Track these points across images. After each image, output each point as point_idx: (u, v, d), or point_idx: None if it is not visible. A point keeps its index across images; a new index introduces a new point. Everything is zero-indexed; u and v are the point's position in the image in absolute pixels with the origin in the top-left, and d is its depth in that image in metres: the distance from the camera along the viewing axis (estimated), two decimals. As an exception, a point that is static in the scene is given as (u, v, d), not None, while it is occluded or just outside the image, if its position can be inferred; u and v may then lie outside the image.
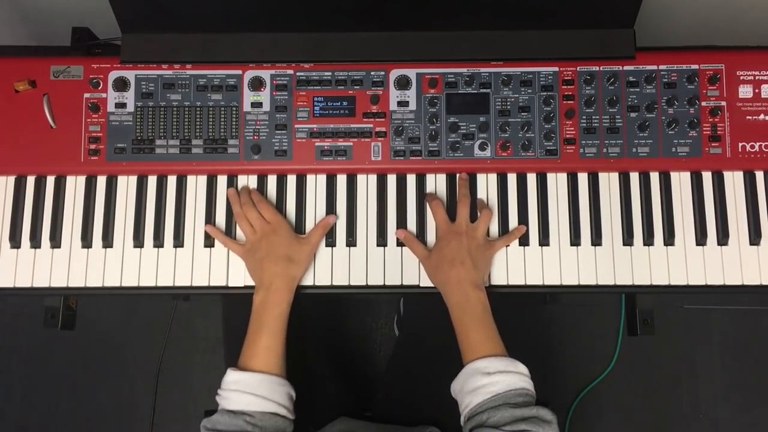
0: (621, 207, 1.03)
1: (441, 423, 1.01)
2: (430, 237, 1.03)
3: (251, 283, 1.01)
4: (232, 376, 0.89)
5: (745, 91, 1.04)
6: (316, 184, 1.05)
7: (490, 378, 0.83)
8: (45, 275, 1.02)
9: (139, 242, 1.03)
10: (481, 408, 0.82)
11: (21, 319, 1.75)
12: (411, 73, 1.04)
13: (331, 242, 1.02)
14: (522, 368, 0.86)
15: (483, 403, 0.82)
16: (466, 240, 0.96)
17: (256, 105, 1.04)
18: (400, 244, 1.02)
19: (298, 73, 1.05)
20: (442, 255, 0.96)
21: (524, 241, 1.02)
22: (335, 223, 1.03)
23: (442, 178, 1.05)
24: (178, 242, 1.03)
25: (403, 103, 1.04)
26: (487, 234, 1.02)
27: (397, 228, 1.02)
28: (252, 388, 0.87)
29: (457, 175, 1.04)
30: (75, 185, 1.05)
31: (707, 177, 1.04)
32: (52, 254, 1.03)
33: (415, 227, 1.03)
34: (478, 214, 1.01)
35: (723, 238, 1.01)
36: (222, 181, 1.05)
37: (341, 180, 1.05)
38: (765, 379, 1.71)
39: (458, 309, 0.92)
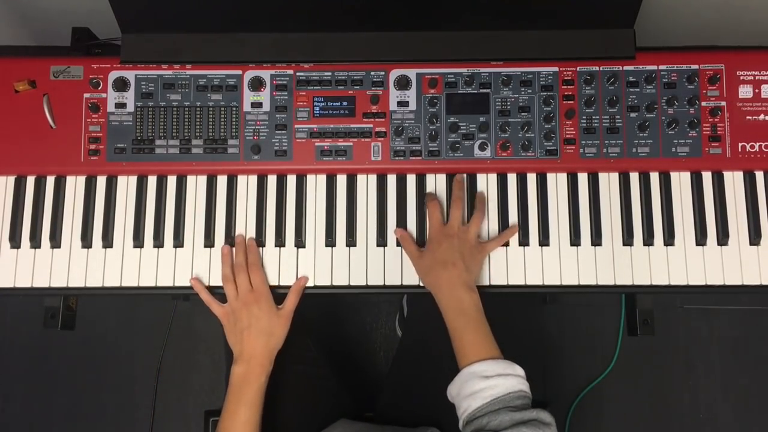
0: (621, 207, 1.03)
1: (443, 424, 1.01)
2: (430, 237, 1.03)
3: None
4: None
5: (745, 91, 1.04)
6: (316, 184, 1.05)
7: (488, 382, 0.83)
8: (45, 275, 1.02)
9: (139, 242, 1.03)
10: (481, 412, 0.81)
11: (21, 319, 1.74)
12: (411, 73, 1.04)
13: (331, 242, 1.02)
14: (519, 370, 0.86)
15: (482, 407, 0.81)
16: (457, 242, 0.96)
17: (256, 105, 1.04)
18: (400, 243, 1.02)
19: (298, 73, 1.05)
20: (434, 257, 0.96)
21: (524, 241, 1.02)
22: (335, 223, 1.03)
23: (442, 178, 1.05)
24: (178, 242, 1.03)
25: (403, 103, 1.04)
26: (486, 234, 1.01)
27: (397, 227, 1.02)
28: None
29: (455, 177, 1.03)
30: (75, 185, 1.05)
31: (707, 177, 1.04)
32: (52, 254, 1.03)
33: (415, 227, 1.03)
34: (473, 213, 1.01)
35: (723, 238, 1.01)
36: (222, 181, 1.05)
37: (341, 180, 1.05)
38: (765, 379, 1.71)
39: (452, 312, 0.92)
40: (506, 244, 1.02)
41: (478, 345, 0.89)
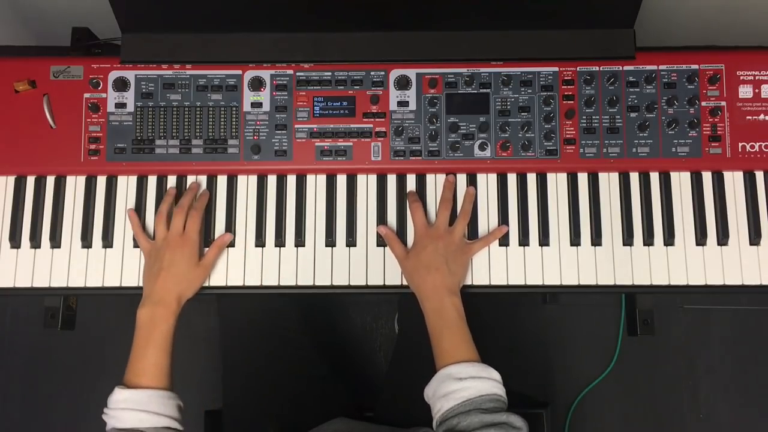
0: (621, 207, 1.03)
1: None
2: (430, 237, 1.03)
3: (250, 282, 1.01)
4: (121, 395, 0.87)
5: (745, 91, 1.04)
6: (316, 184, 1.05)
7: (461, 383, 0.84)
8: (45, 275, 1.02)
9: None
10: (452, 413, 0.82)
11: (21, 319, 1.74)
12: (411, 73, 1.04)
13: (331, 242, 1.02)
14: (494, 374, 0.86)
15: (453, 408, 0.82)
16: (442, 244, 0.96)
17: (256, 105, 1.04)
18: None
19: (298, 73, 1.05)
20: (419, 259, 0.96)
21: (524, 241, 1.02)
22: (335, 223, 1.03)
23: (442, 178, 1.05)
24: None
25: (403, 103, 1.04)
26: (477, 235, 1.01)
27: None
28: (143, 405, 0.86)
29: (446, 177, 1.03)
30: (75, 185, 1.05)
31: (707, 177, 1.04)
32: (52, 254, 1.03)
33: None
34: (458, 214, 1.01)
35: (723, 238, 1.01)
36: (222, 180, 1.05)
37: (341, 180, 1.05)
38: (765, 379, 1.71)
39: (433, 315, 0.92)
40: (505, 244, 1.02)
41: (455, 347, 0.89)
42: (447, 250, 0.95)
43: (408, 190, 1.04)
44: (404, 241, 1.02)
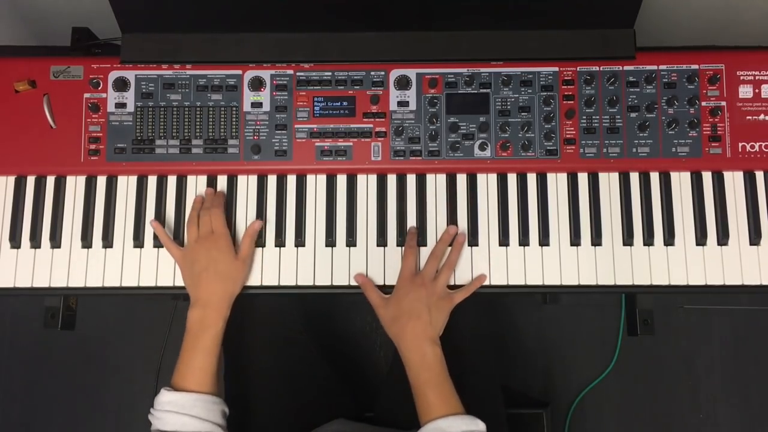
0: (621, 207, 1.03)
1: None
2: (431, 238, 1.03)
3: (250, 282, 1.01)
4: (166, 397, 0.87)
5: (745, 91, 1.04)
6: (316, 184, 1.05)
7: None
8: (45, 275, 1.02)
9: (139, 242, 1.03)
10: None
11: (21, 319, 1.74)
12: (411, 73, 1.04)
13: (331, 242, 1.02)
14: (481, 426, 0.86)
15: None
16: (425, 293, 0.95)
17: (256, 105, 1.04)
18: (399, 244, 1.02)
19: (298, 73, 1.05)
20: (400, 306, 0.95)
21: (524, 241, 1.02)
22: (335, 223, 1.03)
23: (442, 178, 1.05)
24: (178, 242, 1.03)
25: (403, 103, 1.04)
26: (486, 229, 1.01)
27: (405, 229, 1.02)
28: (187, 409, 0.86)
29: (443, 234, 1.01)
30: (75, 185, 1.05)
31: (707, 177, 1.04)
32: (52, 254, 1.03)
33: (415, 227, 1.03)
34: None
35: (723, 238, 1.01)
36: (222, 180, 1.05)
37: (341, 180, 1.05)
38: (765, 379, 1.71)
39: (415, 366, 0.92)
40: (505, 244, 1.02)
41: (441, 400, 0.89)
42: (429, 300, 0.95)
43: (409, 227, 1.02)
44: (400, 243, 1.02)
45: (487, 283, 1.00)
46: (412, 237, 1.01)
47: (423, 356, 0.92)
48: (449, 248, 1.00)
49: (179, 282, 1.02)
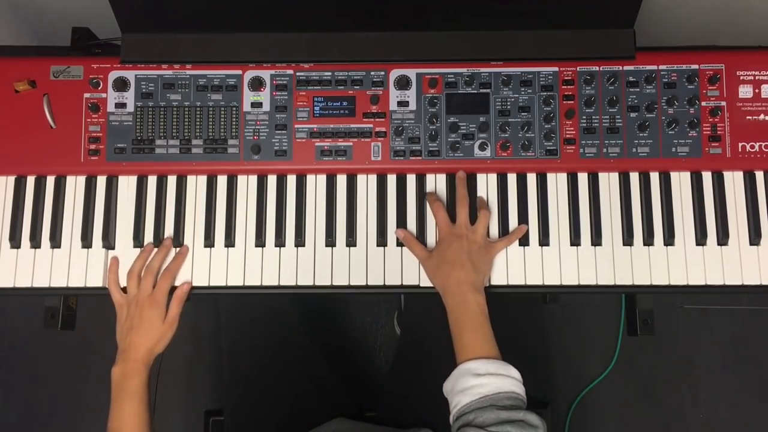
0: (621, 207, 1.03)
1: (439, 424, 1.01)
2: (430, 238, 1.03)
3: (250, 282, 1.01)
4: None
5: (745, 91, 1.04)
6: (316, 184, 1.05)
7: (479, 379, 0.84)
8: (45, 275, 1.02)
9: (138, 242, 1.03)
10: (469, 408, 0.82)
11: (21, 319, 1.74)
12: (411, 73, 1.05)
13: (331, 242, 1.02)
14: (513, 372, 0.86)
15: (471, 404, 0.82)
16: (466, 243, 0.96)
17: (256, 105, 1.04)
18: (399, 244, 1.02)
19: (298, 73, 1.05)
20: (443, 257, 0.96)
21: (524, 241, 1.02)
22: (335, 223, 1.03)
23: (442, 178, 1.05)
24: (178, 242, 1.03)
25: (403, 103, 1.04)
26: (487, 234, 1.02)
27: (397, 228, 1.02)
28: None
29: (457, 174, 1.03)
30: (75, 185, 1.05)
31: (707, 177, 1.04)
32: (52, 254, 1.03)
33: (415, 227, 1.03)
34: (477, 213, 1.01)
35: (723, 238, 1.01)
36: (222, 181, 1.05)
37: (341, 180, 1.05)
38: (765, 379, 1.70)
39: (456, 310, 0.93)
40: (508, 244, 1.02)
41: (476, 343, 0.89)
42: (471, 248, 0.96)
43: (427, 190, 1.04)
44: (400, 243, 1.02)
45: (486, 283, 1.01)
46: (433, 193, 1.03)
47: (464, 302, 0.92)
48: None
49: (179, 282, 1.02)
